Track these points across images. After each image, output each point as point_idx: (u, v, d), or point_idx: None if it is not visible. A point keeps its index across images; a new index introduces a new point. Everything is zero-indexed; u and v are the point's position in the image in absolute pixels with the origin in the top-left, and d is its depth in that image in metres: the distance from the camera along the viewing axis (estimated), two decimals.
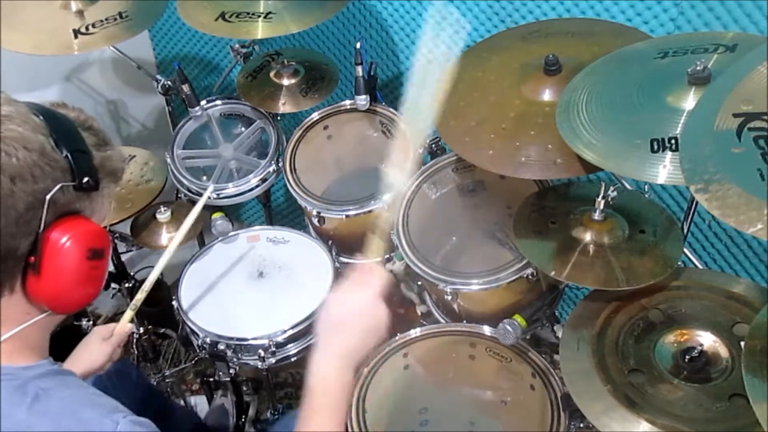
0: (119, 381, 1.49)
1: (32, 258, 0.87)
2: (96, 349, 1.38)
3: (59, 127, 0.89)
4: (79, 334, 1.91)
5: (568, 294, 1.93)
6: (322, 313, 1.06)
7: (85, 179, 0.89)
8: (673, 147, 1.08)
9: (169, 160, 1.83)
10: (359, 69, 1.70)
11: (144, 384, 1.65)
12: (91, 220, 0.93)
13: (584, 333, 1.25)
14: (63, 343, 1.34)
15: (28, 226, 0.85)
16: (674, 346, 1.21)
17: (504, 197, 1.67)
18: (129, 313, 1.49)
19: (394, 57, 2.01)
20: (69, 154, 0.87)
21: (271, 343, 1.58)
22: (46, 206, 0.85)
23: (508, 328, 1.38)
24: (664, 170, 1.07)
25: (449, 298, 1.49)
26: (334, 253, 1.73)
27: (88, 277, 0.93)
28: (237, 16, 1.66)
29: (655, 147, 1.09)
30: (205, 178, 1.86)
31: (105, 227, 0.97)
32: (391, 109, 1.80)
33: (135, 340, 2.02)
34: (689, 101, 1.13)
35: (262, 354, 1.59)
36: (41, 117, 0.88)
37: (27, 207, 0.84)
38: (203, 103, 1.88)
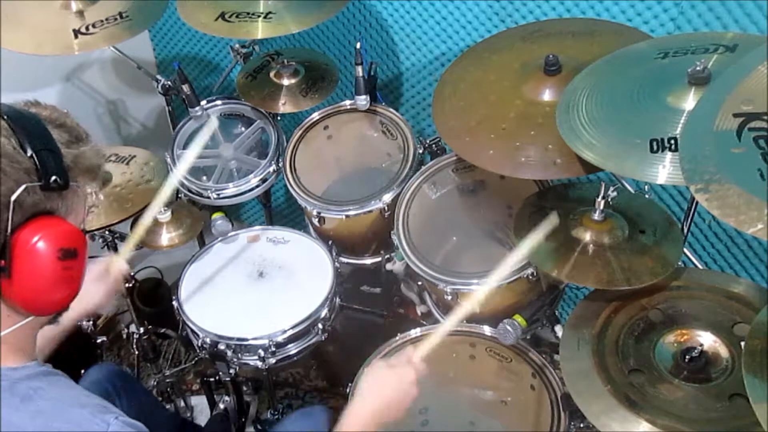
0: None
1: (2, 261, 0.85)
2: (92, 288, 1.37)
3: (25, 126, 0.87)
4: (79, 334, 1.91)
5: (568, 294, 1.93)
6: (366, 375, 1.23)
7: (53, 178, 0.86)
8: (673, 147, 1.08)
9: (169, 160, 1.83)
10: (359, 69, 1.70)
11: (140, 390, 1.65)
12: (66, 219, 0.90)
13: (584, 333, 1.25)
14: (63, 343, 1.35)
15: None
16: (674, 346, 1.21)
17: (504, 197, 1.67)
18: (125, 249, 1.47)
19: (394, 57, 2.01)
20: (34, 154, 0.85)
21: (271, 343, 1.57)
22: (11, 208, 0.83)
23: (508, 328, 1.38)
24: (664, 170, 1.07)
25: (449, 298, 1.49)
26: (334, 253, 1.73)
27: (61, 278, 0.90)
28: (237, 16, 1.66)
29: (655, 147, 1.09)
30: (205, 178, 1.86)
31: (82, 227, 0.94)
32: (391, 109, 1.80)
33: (135, 340, 2.02)
34: (689, 101, 1.13)
35: (262, 354, 1.59)
36: (5, 117, 0.86)
37: None
38: (203, 103, 1.87)
